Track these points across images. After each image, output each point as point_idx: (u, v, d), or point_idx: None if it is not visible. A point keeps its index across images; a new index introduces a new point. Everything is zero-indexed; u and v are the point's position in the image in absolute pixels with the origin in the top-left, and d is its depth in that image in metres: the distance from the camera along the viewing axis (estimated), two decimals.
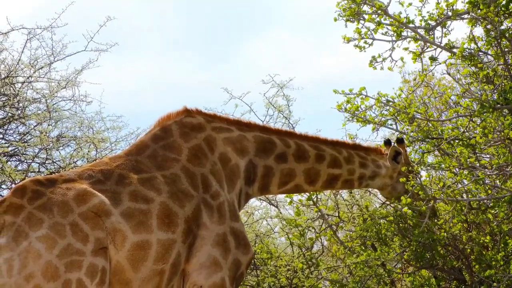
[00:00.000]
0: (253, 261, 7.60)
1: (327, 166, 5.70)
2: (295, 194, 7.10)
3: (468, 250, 6.66)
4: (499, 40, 6.20)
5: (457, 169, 6.31)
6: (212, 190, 4.88)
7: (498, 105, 6.08)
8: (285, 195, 7.33)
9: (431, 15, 6.63)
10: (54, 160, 8.37)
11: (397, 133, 7.03)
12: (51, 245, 4.07)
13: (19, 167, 8.41)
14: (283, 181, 5.52)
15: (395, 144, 6.08)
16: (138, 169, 4.70)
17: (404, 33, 6.73)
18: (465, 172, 6.15)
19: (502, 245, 6.46)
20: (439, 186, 6.34)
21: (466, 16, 6.48)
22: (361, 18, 6.76)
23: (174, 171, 4.81)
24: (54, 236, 4.09)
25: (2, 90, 8.47)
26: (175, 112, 5.19)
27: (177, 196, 4.66)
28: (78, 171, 4.56)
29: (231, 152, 5.21)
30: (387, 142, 6.18)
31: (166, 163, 4.84)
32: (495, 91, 6.28)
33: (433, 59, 6.68)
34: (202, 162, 4.99)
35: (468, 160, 6.03)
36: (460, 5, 6.48)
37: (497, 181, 6.45)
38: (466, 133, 6.38)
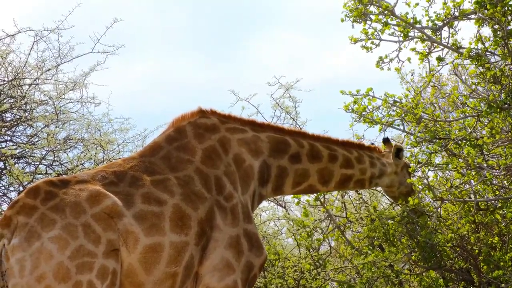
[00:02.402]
0: None
1: (340, 167, 5.74)
2: (302, 195, 7.09)
3: (476, 251, 6.65)
4: (506, 40, 6.18)
5: (464, 170, 6.30)
6: (226, 192, 4.85)
7: (506, 105, 6.07)
8: (292, 195, 7.33)
9: (438, 15, 6.61)
10: (62, 162, 8.37)
11: (404, 133, 7.04)
12: (63, 246, 4.07)
13: (27, 169, 8.40)
14: (297, 181, 5.52)
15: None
16: (152, 171, 4.68)
17: (411, 34, 6.70)
18: (473, 172, 6.14)
19: (511, 246, 6.45)
20: (446, 187, 6.34)
21: (473, 16, 6.46)
22: (368, 18, 6.75)
23: (187, 172, 4.78)
24: (66, 237, 4.09)
25: (10, 92, 8.48)
26: (190, 113, 5.14)
27: (190, 198, 4.63)
28: (92, 173, 4.54)
29: (246, 153, 5.17)
30: (386, 141, 6.42)
31: (180, 165, 4.81)
32: (503, 91, 6.26)
33: (440, 59, 6.66)
34: (216, 164, 4.96)
35: (475, 160, 6.02)
36: (467, 5, 6.47)
37: (505, 181, 6.44)
38: (474, 133, 6.37)
